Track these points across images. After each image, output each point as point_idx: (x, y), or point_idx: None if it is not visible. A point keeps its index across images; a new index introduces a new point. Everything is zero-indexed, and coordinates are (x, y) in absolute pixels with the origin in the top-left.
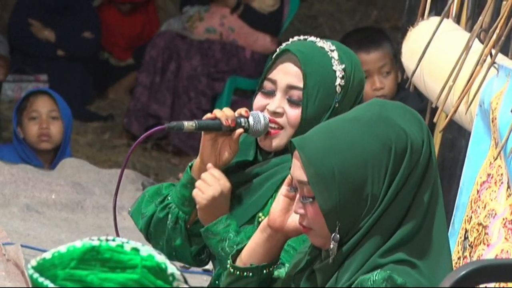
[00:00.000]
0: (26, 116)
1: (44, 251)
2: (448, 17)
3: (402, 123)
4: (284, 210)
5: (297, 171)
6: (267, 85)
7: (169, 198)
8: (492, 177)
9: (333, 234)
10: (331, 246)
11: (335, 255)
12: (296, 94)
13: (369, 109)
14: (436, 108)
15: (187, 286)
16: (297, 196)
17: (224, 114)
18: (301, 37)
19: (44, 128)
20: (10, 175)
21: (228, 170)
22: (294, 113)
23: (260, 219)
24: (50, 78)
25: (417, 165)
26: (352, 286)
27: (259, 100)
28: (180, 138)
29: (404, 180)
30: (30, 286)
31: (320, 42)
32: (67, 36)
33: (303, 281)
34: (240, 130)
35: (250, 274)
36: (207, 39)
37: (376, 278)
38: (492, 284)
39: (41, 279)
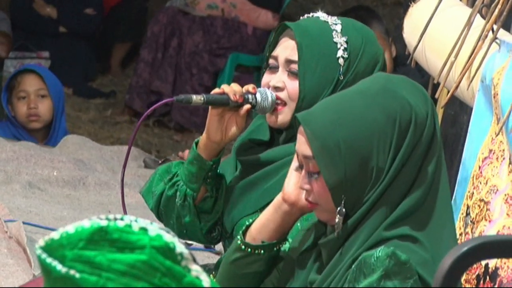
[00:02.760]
0: (15, 96)
1: (46, 228)
2: None
3: (407, 95)
4: (298, 184)
5: (302, 146)
6: (271, 61)
7: (178, 175)
8: (493, 153)
9: (338, 208)
10: (337, 220)
11: (341, 229)
12: (295, 66)
13: (374, 81)
14: (438, 84)
15: (196, 265)
16: (303, 172)
17: (232, 89)
18: (310, 14)
19: (32, 108)
20: (12, 152)
21: (242, 148)
22: (294, 86)
23: None
24: (52, 55)
25: (421, 138)
26: (356, 262)
27: (265, 77)
28: (182, 115)
29: (409, 153)
30: (33, 264)
31: (325, 17)
32: (69, 13)
33: (310, 263)
34: (247, 106)
35: (262, 251)
36: (209, 15)
37: (380, 254)
38: (494, 260)
39: (49, 260)
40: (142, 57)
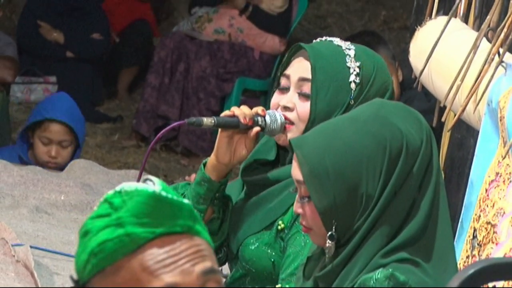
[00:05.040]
0: (38, 135)
1: (54, 252)
2: (455, 17)
3: (398, 122)
4: None
5: (295, 170)
6: (282, 81)
7: (184, 196)
8: (500, 176)
9: (329, 233)
10: (327, 244)
11: (335, 261)
12: (307, 87)
13: (368, 108)
14: (444, 108)
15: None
16: (297, 196)
17: (242, 112)
18: (323, 38)
19: (53, 157)
20: (20, 176)
21: (248, 169)
22: (304, 108)
23: (279, 227)
24: (59, 79)
25: (415, 165)
26: (355, 286)
27: (274, 97)
28: (189, 139)
29: (401, 180)
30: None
31: (338, 41)
32: (76, 38)
33: None
34: (257, 129)
35: None
36: (216, 40)
37: (379, 276)
38: (501, 283)
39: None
40: (149, 82)
